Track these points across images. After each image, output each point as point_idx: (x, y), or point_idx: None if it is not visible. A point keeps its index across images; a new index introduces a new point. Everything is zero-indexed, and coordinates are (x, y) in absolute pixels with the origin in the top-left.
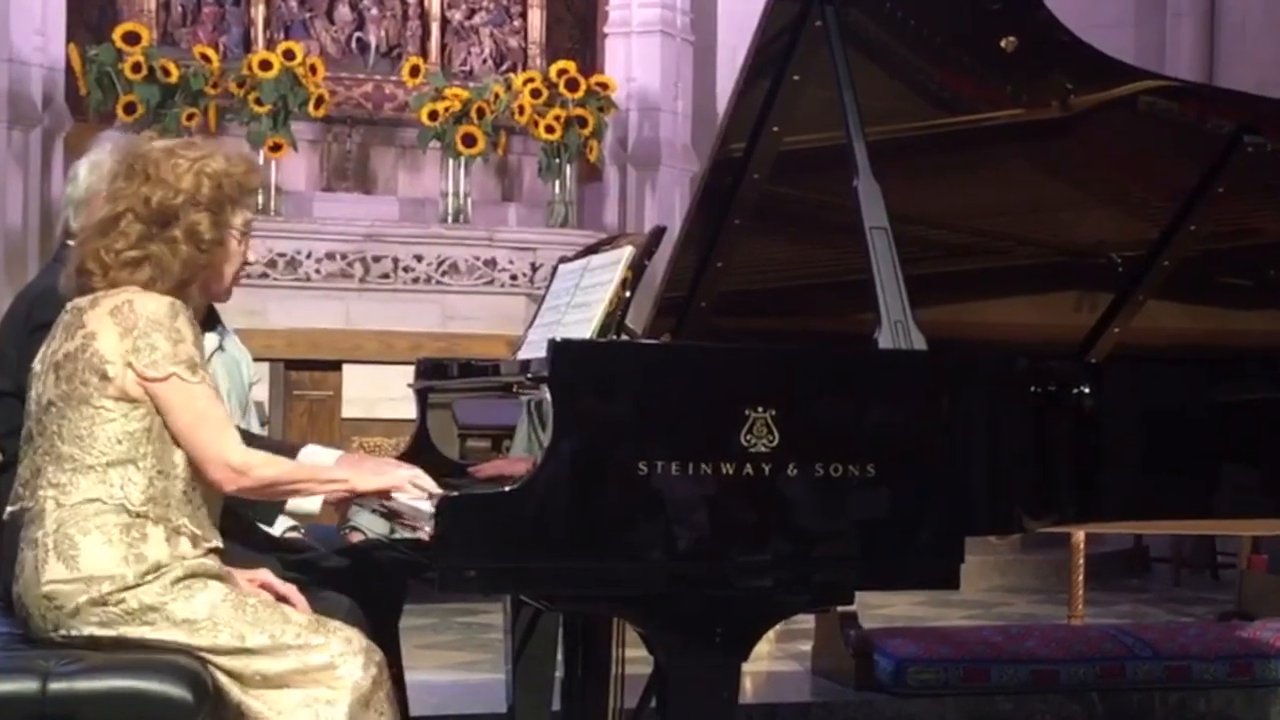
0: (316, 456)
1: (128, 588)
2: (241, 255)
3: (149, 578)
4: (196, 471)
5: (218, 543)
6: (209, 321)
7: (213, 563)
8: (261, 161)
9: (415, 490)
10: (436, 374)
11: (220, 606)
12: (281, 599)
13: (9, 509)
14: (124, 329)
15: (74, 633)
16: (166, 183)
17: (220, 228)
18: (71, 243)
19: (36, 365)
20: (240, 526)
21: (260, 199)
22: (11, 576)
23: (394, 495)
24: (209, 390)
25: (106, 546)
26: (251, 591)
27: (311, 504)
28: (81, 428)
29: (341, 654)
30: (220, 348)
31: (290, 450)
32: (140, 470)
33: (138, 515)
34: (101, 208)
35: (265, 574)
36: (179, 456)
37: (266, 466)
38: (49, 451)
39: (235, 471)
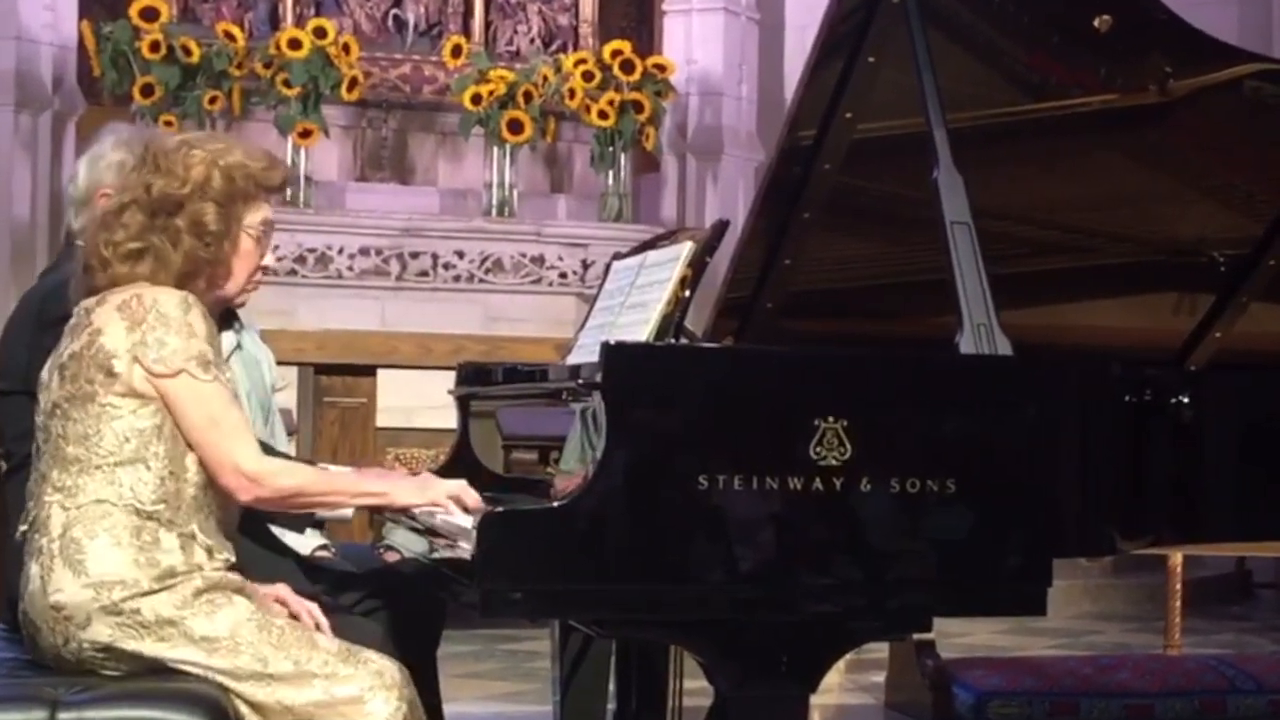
0: None
1: (142, 594)
2: (257, 256)
3: (165, 583)
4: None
5: (230, 556)
6: (226, 319)
7: (237, 576)
8: (290, 149)
9: (458, 508)
10: (479, 380)
11: (243, 626)
12: (294, 618)
13: (21, 528)
14: (132, 322)
15: (85, 645)
16: (174, 173)
17: (228, 220)
18: (80, 243)
19: (44, 374)
20: (262, 535)
21: (288, 191)
22: (17, 595)
23: (435, 512)
24: (223, 390)
25: (115, 549)
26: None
27: (345, 510)
28: (88, 426)
29: (371, 688)
30: (238, 346)
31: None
32: (151, 470)
33: (149, 517)
34: (111, 201)
35: (283, 589)
36: (191, 459)
37: (286, 475)
38: (54, 455)
39: (248, 479)
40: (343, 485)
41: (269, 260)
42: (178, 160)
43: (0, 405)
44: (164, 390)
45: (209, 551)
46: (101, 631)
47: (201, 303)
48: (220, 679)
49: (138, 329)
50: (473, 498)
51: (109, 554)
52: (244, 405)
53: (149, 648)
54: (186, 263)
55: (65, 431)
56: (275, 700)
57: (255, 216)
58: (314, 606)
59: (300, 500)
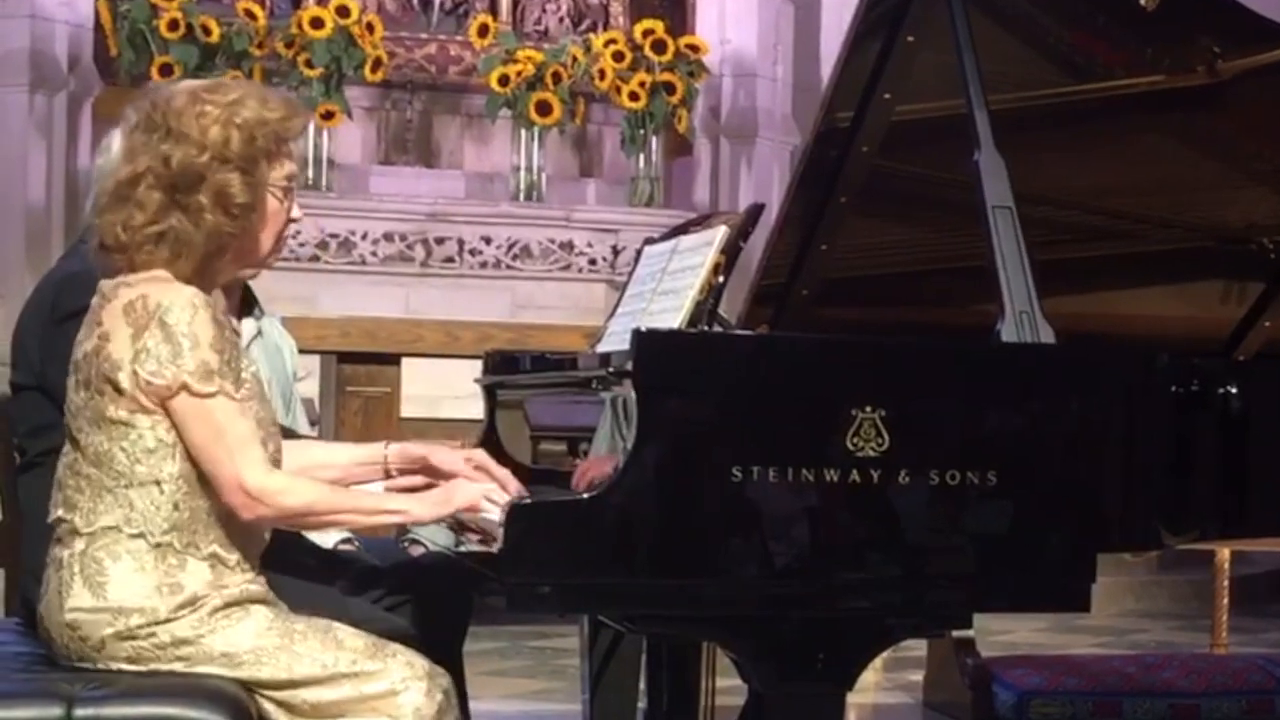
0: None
1: (159, 622)
2: (285, 213)
3: (183, 611)
4: None
5: (255, 572)
6: (246, 304)
7: (257, 587)
8: (312, 131)
9: (490, 505)
10: (506, 369)
11: (264, 636)
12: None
13: (55, 514)
14: (135, 330)
15: (99, 666)
16: (189, 137)
17: (255, 188)
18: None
19: (74, 351)
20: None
21: (310, 174)
22: (36, 593)
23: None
24: (227, 402)
25: (139, 574)
26: (466, 474)
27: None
28: (100, 444)
29: (404, 679)
30: (259, 333)
31: None
32: (164, 493)
33: (157, 545)
34: (118, 163)
35: (482, 454)
36: None
37: (291, 493)
38: (71, 465)
39: (250, 497)
40: (357, 504)
41: (295, 213)
42: (191, 121)
43: (14, 399)
44: (165, 406)
45: (236, 565)
46: (116, 655)
47: (224, 280)
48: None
49: (140, 337)
50: (502, 495)
51: (132, 579)
52: (266, 393)
53: (165, 668)
54: (210, 241)
55: (82, 445)
56: (303, 701)
57: (279, 172)
58: (507, 473)
59: (309, 520)
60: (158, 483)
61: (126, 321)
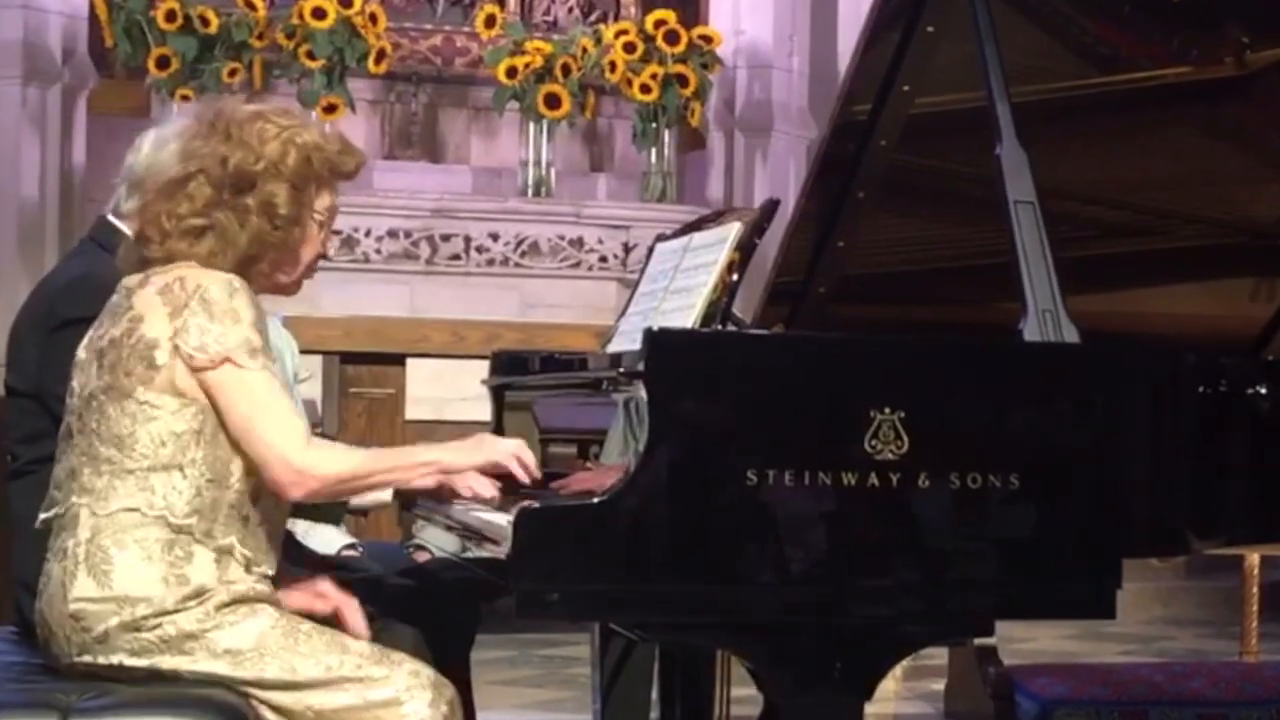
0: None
1: (165, 613)
2: (320, 244)
3: (190, 603)
4: (259, 483)
5: (270, 569)
6: None
7: (266, 587)
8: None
9: (520, 470)
10: (514, 369)
11: (269, 634)
12: (332, 616)
13: (42, 516)
14: (174, 308)
15: (100, 660)
16: (249, 145)
17: (300, 205)
18: (112, 218)
19: (81, 353)
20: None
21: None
22: (31, 595)
23: (470, 508)
24: (270, 379)
25: (145, 564)
26: (306, 606)
27: (384, 493)
28: (123, 426)
29: (408, 688)
30: None
31: None
32: (187, 478)
33: (180, 530)
34: (172, 168)
35: (324, 584)
36: (236, 466)
37: (333, 461)
38: (86, 451)
39: (297, 472)
40: (397, 461)
41: (330, 249)
42: (252, 132)
43: (9, 403)
44: (206, 383)
45: (247, 565)
46: (119, 647)
47: (258, 288)
48: (246, 689)
49: (180, 315)
50: (531, 459)
51: (138, 568)
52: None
53: (169, 662)
54: (252, 244)
55: (100, 428)
56: (305, 707)
57: (323, 202)
58: (353, 602)
59: (353, 485)
60: (180, 467)
61: (163, 301)
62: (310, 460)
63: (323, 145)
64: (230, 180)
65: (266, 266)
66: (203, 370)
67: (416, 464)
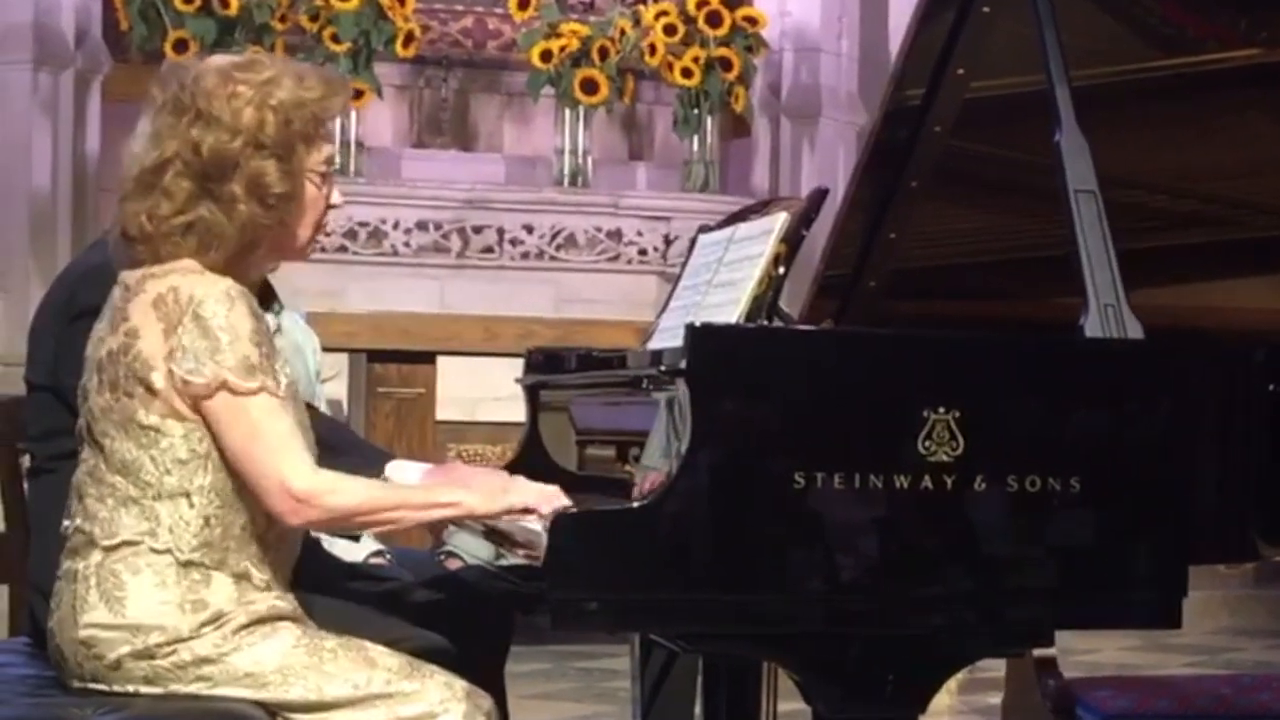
0: (402, 473)
1: (180, 640)
2: (324, 200)
3: (206, 629)
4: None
5: (285, 592)
6: (263, 299)
7: (285, 604)
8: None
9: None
10: (550, 368)
11: (292, 654)
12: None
13: (66, 524)
14: (168, 325)
15: (115, 688)
16: (221, 121)
17: (293, 176)
18: None
19: (89, 348)
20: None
21: (337, 158)
22: (48, 602)
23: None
24: (269, 400)
25: (160, 590)
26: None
27: None
28: (127, 453)
29: (441, 701)
30: (278, 329)
31: (377, 457)
32: (194, 507)
33: (186, 564)
34: (145, 155)
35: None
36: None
37: (340, 493)
38: (91, 472)
39: (296, 500)
40: (407, 498)
41: (335, 198)
42: (223, 104)
43: (27, 399)
44: (201, 410)
45: (266, 585)
46: (133, 676)
47: (257, 274)
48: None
49: (174, 333)
50: (563, 505)
51: (152, 595)
52: (298, 395)
53: (186, 689)
54: (245, 234)
55: (107, 451)
56: None
57: (317, 157)
58: (556, 490)
59: (358, 520)
60: (187, 495)
61: (157, 316)
62: (313, 487)
63: (302, 97)
64: (209, 168)
65: (264, 250)
66: (197, 397)
67: (433, 504)
